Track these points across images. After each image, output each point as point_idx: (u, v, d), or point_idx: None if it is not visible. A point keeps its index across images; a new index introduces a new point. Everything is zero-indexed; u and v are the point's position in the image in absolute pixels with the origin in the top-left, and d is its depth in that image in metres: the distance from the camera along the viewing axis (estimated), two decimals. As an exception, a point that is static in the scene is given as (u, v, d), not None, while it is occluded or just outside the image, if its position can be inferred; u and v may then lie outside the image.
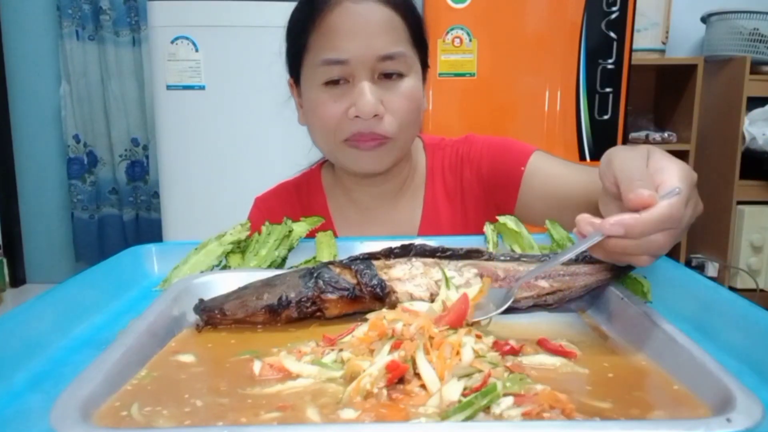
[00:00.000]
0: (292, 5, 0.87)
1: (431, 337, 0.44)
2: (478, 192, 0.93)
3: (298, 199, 0.97)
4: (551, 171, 0.87)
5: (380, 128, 0.81)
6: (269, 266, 0.67)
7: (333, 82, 0.81)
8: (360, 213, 0.95)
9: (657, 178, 0.49)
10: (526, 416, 0.36)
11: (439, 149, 0.96)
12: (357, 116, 0.79)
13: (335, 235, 0.74)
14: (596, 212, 0.76)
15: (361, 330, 0.48)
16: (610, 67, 2.03)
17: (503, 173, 0.91)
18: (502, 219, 0.72)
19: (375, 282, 0.54)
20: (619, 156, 0.52)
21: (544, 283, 0.57)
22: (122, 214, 3.17)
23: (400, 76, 0.82)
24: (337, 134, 0.82)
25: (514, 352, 0.45)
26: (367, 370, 0.41)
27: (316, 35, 0.81)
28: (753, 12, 2.40)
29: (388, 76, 0.81)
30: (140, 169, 3.15)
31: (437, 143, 0.97)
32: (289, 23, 0.87)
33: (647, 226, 0.47)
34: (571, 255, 0.52)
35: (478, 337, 0.47)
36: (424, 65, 0.87)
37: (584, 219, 0.50)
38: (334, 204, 0.96)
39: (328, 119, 0.82)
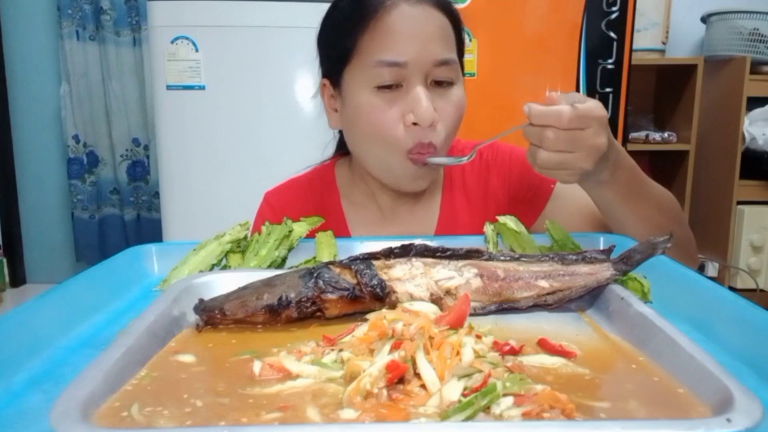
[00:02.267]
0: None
1: (431, 337, 0.44)
2: (501, 200, 0.93)
3: (311, 195, 0.96)
4: (580, 191, 0.87)
5: (434, 137, 0.80)
6: (269, 266, 0.67)
7: (385, 87, 0.78)
8: (376, 212, 0.94)
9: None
10: (526, 416, 0.36)
11: (457, 151, 0.96)
12: (415, 123, 0.78)
13: (348, 234, 0.74)
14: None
15: (361, 330, 0.48)
16: (610, 67, 2.03)
17: (533, 187, 0.91)
18: (502, 219, 0.72)
19: (375, 282, 0.54)
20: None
21: (544, 283, 0.57)
22: (123, 214, 3.17)
23: (450, 84, 0.81)
24: (399, 144, 0.80)
25: (514, 352, 0.45)
26: (367, 370, 0.41)
27: (370, 36, 0.78)
28: (753, 12, 2.40)
29: (439, 83, 0.80)
30: (141, 169, 3.16)
31: (454, 145, 0.97)
32: (330, 22, 0.85)
33: (542, 113, 0.66)
34: (504, 134, 0.75)
35: (478, 337, 0.47)
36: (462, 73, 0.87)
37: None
38: (348, 201, 0.95)
39: (384, 126, 0.79)
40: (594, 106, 0.67)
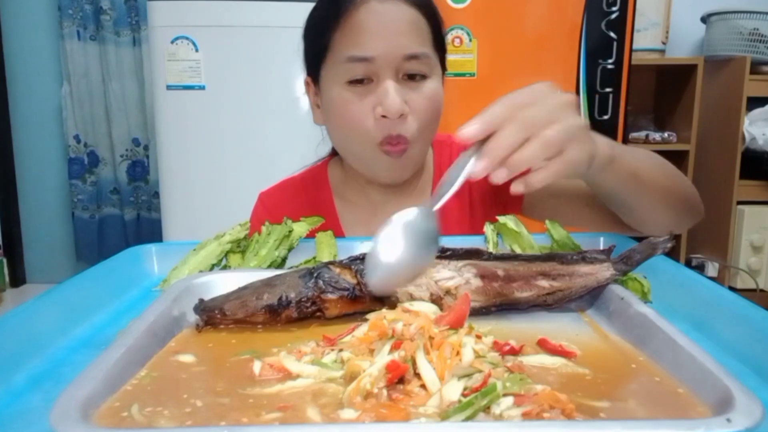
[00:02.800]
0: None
1: (431, 337, 0.44)
2: (485, 189, 0.93)
3: (304, 194, 0.97)
4: None
5: (404, 130, 0.80)
6: (269, 266, 0.67)
7: (357, 81, 0.80)
8: (368, 210, 0.94)
9: None
10: (526, 416, 0.36)
11: (446, 146, 0.97)
12: (383, 116, 0.79)
13: (341, 232, 0.74)
14: (598, 207, 0.77)
15: (361, 330, 0.48)
16: (610, 67, 2.03)
17: None
18: (502, 219, 0.72)
19: (375, 282, 0.54)
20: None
21: (544, 283, 0.57)
22: (123, 214, 3.17)
23: (423, 77, 0.81)
24: (370, 137, 0.81)
25: (514, 352, 0.45)
26: (367, 370, 0.41)
27: (341, 33, 0.80)
28: (753, 12, 2.40)
29: (411, 77, 0.81)
30: (141, 169, 3.16)
31: (444, 140, 0.97)
32: (309, 21, 0.87)
33: (491, 111, 0.52)
34: (458, 184, 0.51)
35: (478, 337, 0.47)
36: (443, 68, 0.87)
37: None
38: (341, 200, 0.96)
39: (354, 119, 0.81)
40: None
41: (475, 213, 0.93)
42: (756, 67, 2.41)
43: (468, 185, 0.94)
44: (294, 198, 0.97)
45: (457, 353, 0.42)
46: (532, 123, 0.52)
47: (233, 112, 2.01)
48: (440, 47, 0.85)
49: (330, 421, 0.37)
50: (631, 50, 2.03)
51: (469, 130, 0.52)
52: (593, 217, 0.83)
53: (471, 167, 0.52)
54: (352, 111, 0.81)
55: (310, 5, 0.88)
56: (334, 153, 1.00)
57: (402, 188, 0.93)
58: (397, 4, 0.80)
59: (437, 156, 0.97)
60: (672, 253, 0.63)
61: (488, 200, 0.93)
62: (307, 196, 0.96)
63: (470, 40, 2.00)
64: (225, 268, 0.68)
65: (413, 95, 0.81)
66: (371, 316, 0.49)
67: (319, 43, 0.83)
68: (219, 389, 0.42)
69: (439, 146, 0.97)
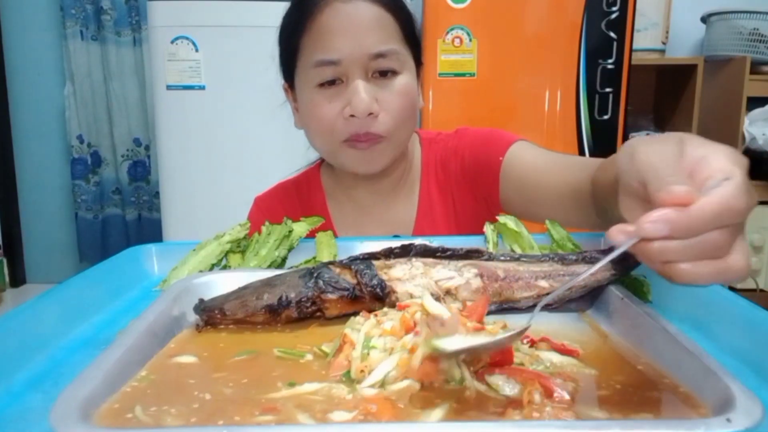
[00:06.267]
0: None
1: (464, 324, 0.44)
2: (463, 184, 0.94)
3: (297, 197, 0.98)
4: (527, 162, 0.86)
5: (375, 127, 0.81)
6: (269, 266, 0.67)
7: (327, 83, 0.81)
8: (358, 210, 0.95)
9: (700, 170, 0.40)
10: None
11: (434, 143, 0.97)
12: (352, 115, 0.79)
13: (334, 233, 0.74)
14: (571, 206, 0.75)
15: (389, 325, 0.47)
16: (610, 67, 2.03)
17: (483, 164, 0.90)
18: (502, 219, 0.72)
19: (375, 282, 0.54)
20: (644, 149, 0.42)
21: (544, 283, 0.57)
22: (125, 214, 3.17)
23: (394, 73, 0.82)
24: (335, 135, 0.82)
25: (533, 343, 0.46)
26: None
27: (307, 37, 0.81)
28: (753, 12, 2.40)
29: (382, 73, 0.81)
30: (142, 169, 3.16)
31: (433, 138, 0.98)
32: (281, 27, 0.87)
33: (698, 221, 0.37)
34: (599, 266, 0.43)
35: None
36: (418, 63, 0.87)
37: (616, 228, 0.40)
38: (333, 202, 0.96)
39: (324, 120, 0.82)
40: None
41: (458, 209, 0.93)
42: (756, 67, 2.41)
43: (450, 182, 0.94)
44: (288, 201, 0.98)
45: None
46: (711, 250, 0.38)
47: (233, 112, 2.01)
48: (412, 41, 0.85)
49: (322, 422, 0.37)
50: (631, 50, 2.03)
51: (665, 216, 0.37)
52: (569, 218, 0.78)
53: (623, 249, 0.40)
54: (323, 113, 0.81)
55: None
56: None
57: (388, 187, 0.94)
58: (361, 4, 0.80)
59: (425, 154, 0.97)
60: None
61: (468, 196, 0.93)
62: (301, 199, 0.97)
63: (470, 40, 2.00)
64: (225, 268, 0.68)
65: (383, 93, 0.81)
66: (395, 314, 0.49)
67: (289, 48, 0.84)
68: (220, 389, 0.42)
69: (427, 144, 0.97)
